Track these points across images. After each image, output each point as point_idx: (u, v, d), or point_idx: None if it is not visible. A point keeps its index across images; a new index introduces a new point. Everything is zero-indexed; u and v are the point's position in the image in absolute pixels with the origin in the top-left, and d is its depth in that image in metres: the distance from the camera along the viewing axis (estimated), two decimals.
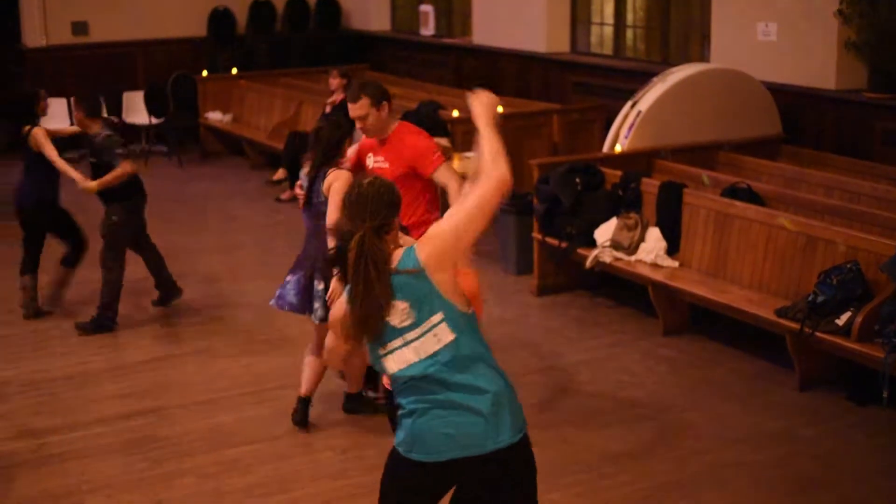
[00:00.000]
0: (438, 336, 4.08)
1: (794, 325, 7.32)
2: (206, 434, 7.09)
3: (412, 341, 4.09)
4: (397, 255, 4.09)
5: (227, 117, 15.89)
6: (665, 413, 7.29)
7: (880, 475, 6.41)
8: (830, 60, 10.14)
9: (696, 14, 11.99)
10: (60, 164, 8.79)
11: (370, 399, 7.31)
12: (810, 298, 7.29)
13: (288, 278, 7.06)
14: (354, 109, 6.76)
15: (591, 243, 9.04)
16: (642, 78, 10.85)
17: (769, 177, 9.50)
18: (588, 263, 8.94)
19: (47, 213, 9.16)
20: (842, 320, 7.13)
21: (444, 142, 10.47)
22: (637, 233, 8.79)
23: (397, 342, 4.11)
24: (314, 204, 6.77)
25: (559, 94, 13.22)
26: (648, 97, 10.05)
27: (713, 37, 11.33)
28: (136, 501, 6.26)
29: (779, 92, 10.40)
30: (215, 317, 9.26)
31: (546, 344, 8.52)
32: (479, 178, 4.10)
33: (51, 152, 8.80)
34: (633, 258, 8.76)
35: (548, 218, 9.36)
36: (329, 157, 6.73)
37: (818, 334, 7.18)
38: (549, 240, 9.40)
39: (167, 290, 9.32)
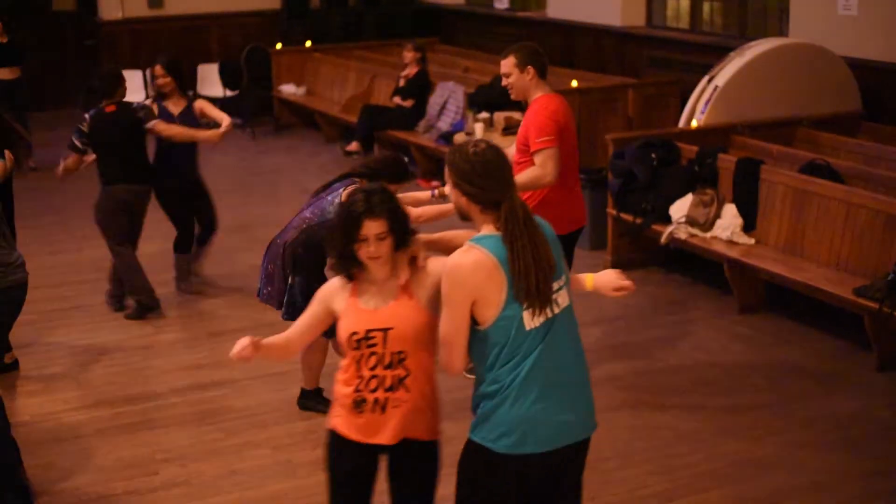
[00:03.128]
0: (560, 298, 4.05)
1: (873, 305, 7.20)
2: (279, 406, 7.14)
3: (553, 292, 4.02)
4: None
5: (301, 90, 15.94)
6: (740, 392, 7.21)
7: None
8: None
9: None
10: None
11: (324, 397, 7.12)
12: (890, 277, 7.17)
13: None
14: (502, 65, 6.82)
15: (666, 219, 8.96)
16: (719, 52, 10.71)
17: (848, 153, 9.34)
18: (663, 239, 8.87)
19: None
20: None
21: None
22: (713, 209, 8.69)
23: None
24: None
25: (634, 68, 13.10)
26: (725, 72, 9.93)
27: (792, 10, 11.14)
28: (209, 471, 6.33)
29: (859, 67, 10.21)
30: None
31: (620, 320, 8.46)
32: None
33: None
34: (708, 235, 8.67)
35: (622, 193, 9.29)
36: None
37: None
38: (624, 215, 9.33)
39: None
